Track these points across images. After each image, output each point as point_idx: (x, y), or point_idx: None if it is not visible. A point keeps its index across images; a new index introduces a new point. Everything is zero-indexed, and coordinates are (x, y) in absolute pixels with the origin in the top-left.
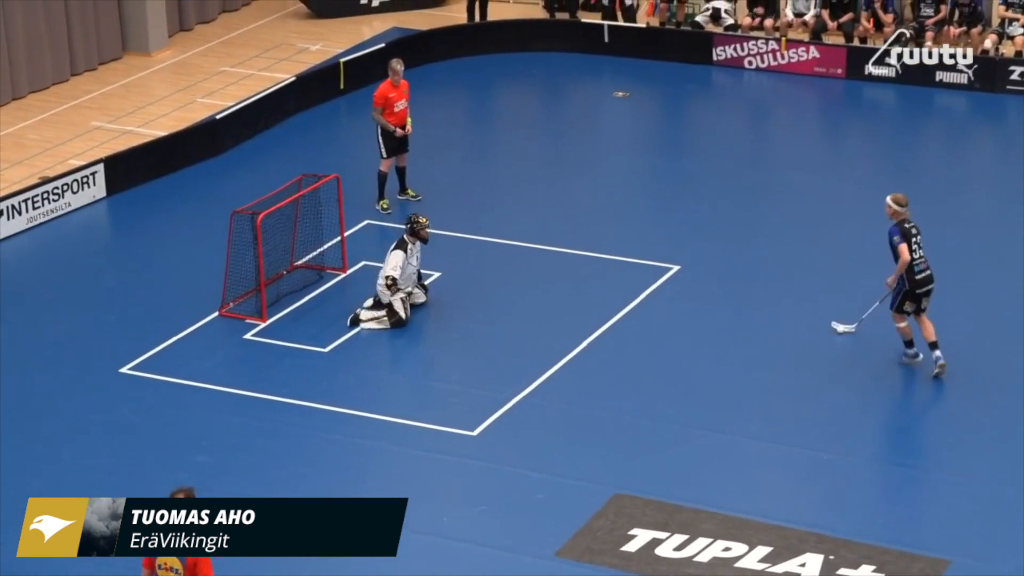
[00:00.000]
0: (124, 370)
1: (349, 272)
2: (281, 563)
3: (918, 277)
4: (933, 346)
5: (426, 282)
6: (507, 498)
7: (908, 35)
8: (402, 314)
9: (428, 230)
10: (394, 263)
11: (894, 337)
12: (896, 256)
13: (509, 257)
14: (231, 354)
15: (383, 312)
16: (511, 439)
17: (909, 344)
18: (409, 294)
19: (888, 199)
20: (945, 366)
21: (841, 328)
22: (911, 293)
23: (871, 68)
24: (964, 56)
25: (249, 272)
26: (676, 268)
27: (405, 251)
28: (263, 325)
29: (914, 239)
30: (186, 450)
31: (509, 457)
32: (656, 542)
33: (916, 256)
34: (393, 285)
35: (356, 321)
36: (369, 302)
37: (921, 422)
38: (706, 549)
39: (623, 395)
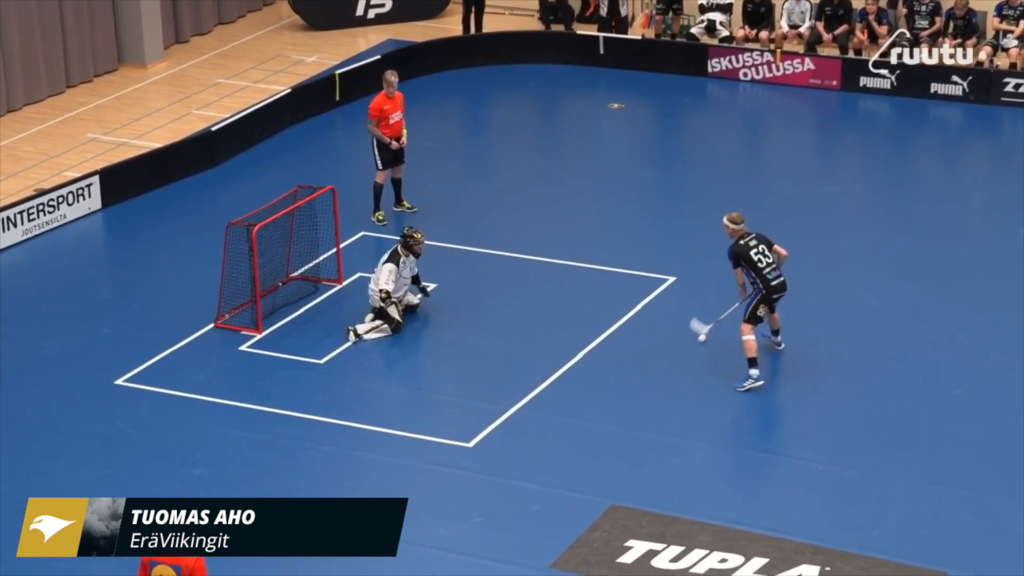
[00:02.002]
0: (119, 382)
1: (345, 284)
2: (281, 563)
3: (773, 283)
4: (775, 332)
5: (428, 289)
6: (503, 510)
7: (907, 35)
8: (398, 317)
9: (422, 245)
10: (387, 276)
11: (890, 351)
12: (745, 273)
13: (505, 269)
14: (226, 366)
15: (380, 321)
16: (507, 451)
17: (753, 363)
18: (400, 299)
19: (724, 220)
20: (782, 349)
21: (703, 332)
22: (767, 298)
23: (871, 69)
24: (964, 56)
25: (244, 284)
26: (672, 279)
27: (397, 264)
28: (258, 337)
29: (754, 251)
30: (181, 462)
31: (505, 469)
32: (652, 554)
33: (763, 265)
34: (388, 298)
35: (357, 336)
36: (370, 316)
37: (917, 434)
38: (702, 561)
39: (619, 406)
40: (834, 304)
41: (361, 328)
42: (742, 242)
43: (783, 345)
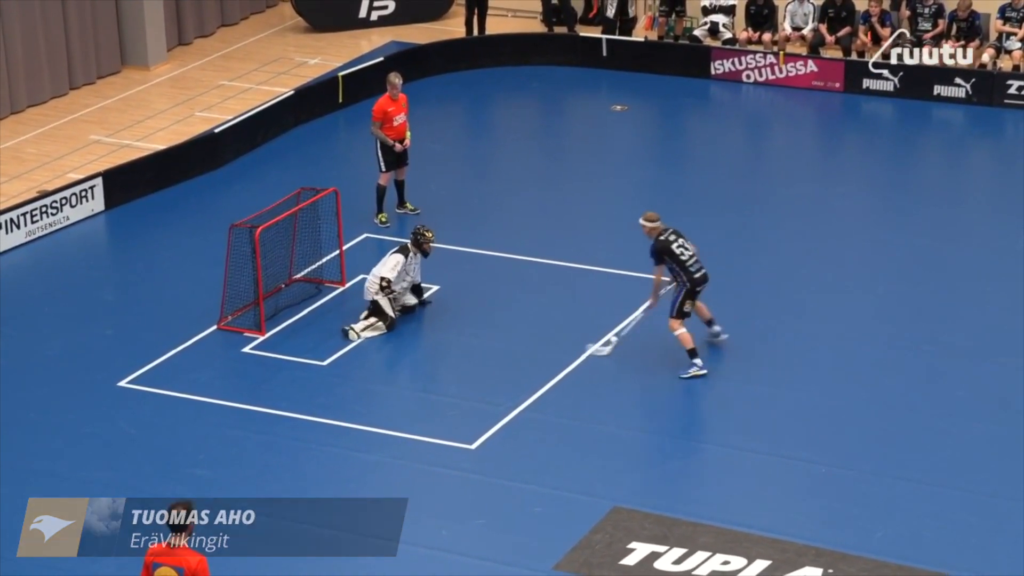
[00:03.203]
0: (122, 384)
1: (348, 285)
2: (281, 563)
3: (696, 276)
4: (710, 323)
5: (425, 296)
6: (505, 511)
7: (908, 36)
8: (391, 313)
9: (432, 245)
10: (392, 264)
11: (891, 352)
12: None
13: (507, 270)
14: (229, 367)
15: (375, 319)
16: (509, 452)
17: (693, 353)
18: (396, 298)
19: (641, 220)
20: (725, 339)
21: (603, 351)
22: (691, 292)
23: (872, 69)
24: (964, 57)
25: (247, 285)
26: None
27: (406, 257)
28: (261, 338)
29: (675, 244)
30: (184, 463)
31: (507, 470)
32: (655, 556)
33: (685, 257)
34: (387, 287)
35: (356, 334)
36: (364, 314)
37: (919, 435)
38: (705, 563)
39: (621, 408)
40: (836, 304)
41: (358, 327)
42: (662, 238)
43: (725, 335)
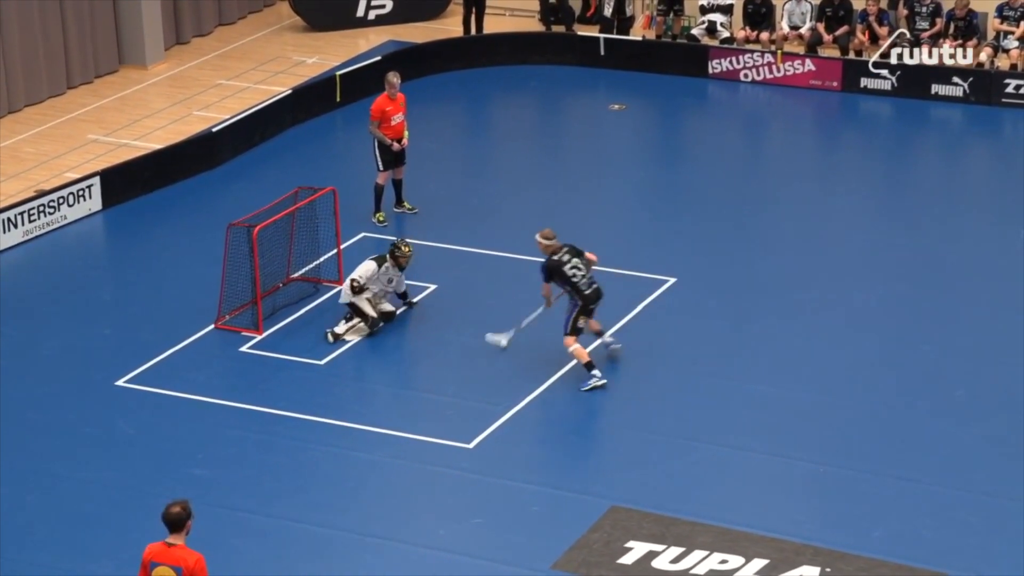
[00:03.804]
0: (120, 383)
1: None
2: (281, 563)
3: (587, 293)
4: (599, 335)
5: (414, 299)
6: (503, 511)
7: (907, 35)
8: (371, 312)
9: (408, 260)
10: (363, 270)
11: (890, 351)
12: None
13: (505, 269)
14: (227, 367)
15: (357, 320)
16: (507, 452)
17: (590, 366)
18: (374, 303)
19: (537, 237)
20: (620, 348)
21: (503, 341)
22: (585, 308)
23: (871, 69)
24: (964, 57)
25: (245, 285)
26: (672, 280)
27: (379, 266)
28: (259, 338)
29: (567, 266)
30: (182, 463)
31: (505, 470)
32: (652, 555)
33: (577, 279)
34: (358, 287)
35: (336, 337)
36: (346, 316)
37: (918, 434)
38: (702, 562)
39: (620, 407)
40: (835, 304)
41: (339, 329)
42: (555, 257)
43: (619, 344)
